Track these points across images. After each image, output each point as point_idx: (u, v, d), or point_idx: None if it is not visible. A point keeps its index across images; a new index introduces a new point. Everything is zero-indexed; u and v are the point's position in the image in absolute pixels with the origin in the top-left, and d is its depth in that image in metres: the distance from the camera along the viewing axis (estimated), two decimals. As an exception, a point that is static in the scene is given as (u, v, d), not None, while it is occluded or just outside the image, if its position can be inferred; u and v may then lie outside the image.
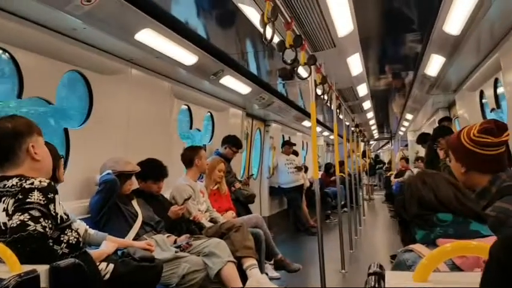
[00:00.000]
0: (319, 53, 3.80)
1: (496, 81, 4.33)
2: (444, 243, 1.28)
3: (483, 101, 5.03)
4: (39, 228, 1.53)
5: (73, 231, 1.77)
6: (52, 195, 1.64)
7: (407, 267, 1.32)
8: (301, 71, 3.27)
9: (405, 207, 1.52)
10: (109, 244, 2.42)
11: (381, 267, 1.19)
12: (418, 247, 1.35)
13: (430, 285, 1.05)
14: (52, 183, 1.68)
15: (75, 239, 1.76)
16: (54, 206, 1.65)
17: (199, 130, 5.14)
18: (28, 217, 1.53)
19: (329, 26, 3.31)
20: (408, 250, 1.37)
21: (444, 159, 4.75)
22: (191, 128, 4.96)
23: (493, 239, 1.31)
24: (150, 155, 3.48)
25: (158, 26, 2.93)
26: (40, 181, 1.63)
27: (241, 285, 3.04)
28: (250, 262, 3.23)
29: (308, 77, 3.25)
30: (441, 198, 1.42)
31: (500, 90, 4.37)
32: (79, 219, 2.71)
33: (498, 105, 4.48)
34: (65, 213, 1.74)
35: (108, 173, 2.93)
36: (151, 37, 2.99)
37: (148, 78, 3.75)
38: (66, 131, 3.19)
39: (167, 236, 3.07)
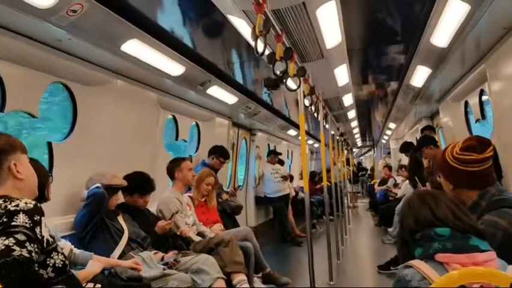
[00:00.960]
0: (307, 64, 3.79)
1: (482, 92, 4.37)
2: (443, 258, 1.33)
3: (467, 110, 5.08)
4: (24, 253, 1.44)
5: (59, 253, 1.69)
6: (38, 217, 1.56)
7: (406, 283, 1.34)
8: (290, 83, 3.23)
9: (402, 223, 1.53)
10: (95, 264, 2.34)
11: (385, 290, 1.16)
12: (417, 263, 1.37)
13: None
14: (38, 204, 1.60)
15: (61, 262, 1.68)
16: (41, 228, 1.56)
17: (185, 141, 5.06)
18: (13, 241, 1.44)
19: (317, 38, 3.30)
20: (407, 266, 1.39)
21: (428, 168, 4.80)
22: (177, 139, 4.88)
23: (492, 254, 1.34)
24: (136, 168, 3.41)
25: (145, 37, 2.89)
26: (26, 203, 1.55)
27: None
28: (239, 278, 3.17)
29: (297, 88, 3.22)
30: (439, 215, 1.43)
31: (485, 98, 4.42)
32: (64, 236, 2.63)
33: (483, 116, 4.52)
34: (50, 236, 1.66)
35: (97, 186, 2.85)
36: (137, 48, 2.94)
37: (134, 89, 3.68)
38: (50, 144, 3.09)
39: (154, 253, 2.99)
